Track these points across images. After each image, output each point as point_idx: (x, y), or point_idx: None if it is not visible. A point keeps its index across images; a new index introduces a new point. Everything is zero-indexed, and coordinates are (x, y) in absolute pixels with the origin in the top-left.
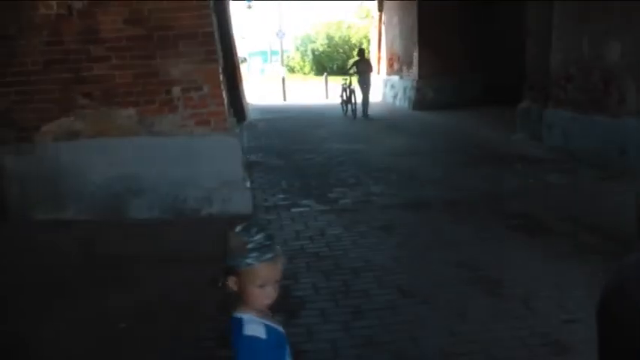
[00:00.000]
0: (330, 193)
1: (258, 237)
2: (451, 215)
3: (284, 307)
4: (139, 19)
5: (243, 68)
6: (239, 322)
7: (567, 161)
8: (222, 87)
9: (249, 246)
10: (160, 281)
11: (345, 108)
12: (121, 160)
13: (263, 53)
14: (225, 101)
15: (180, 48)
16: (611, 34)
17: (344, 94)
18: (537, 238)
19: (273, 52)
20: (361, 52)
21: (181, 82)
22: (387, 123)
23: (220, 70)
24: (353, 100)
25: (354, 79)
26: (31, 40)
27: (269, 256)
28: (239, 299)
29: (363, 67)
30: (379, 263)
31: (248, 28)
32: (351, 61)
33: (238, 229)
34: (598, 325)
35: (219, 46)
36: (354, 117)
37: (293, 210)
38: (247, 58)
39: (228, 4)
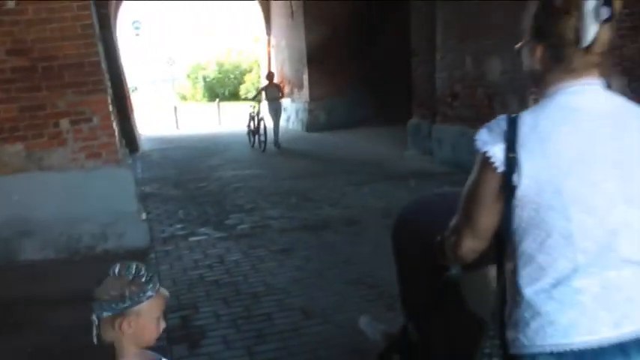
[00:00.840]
0: (228, 219)
1: (143, 270)
2: (348, 234)
3: (185, 338)
4: (23, 50)
5: (134, 97)
6: None
7: (458, 174)
8: (113, 117)
9: (143, 279)
10: (57, 324)
11: (252, 139)
12: (9, 199)
13: (153, 82)
14: (116, 132)
15: (67, 79)
16: (491, 52)
17: (251, 123)
18: None
19: (164, 81)
20: (270, 75)
21: (70, 113)
22: (282, 147)
23: (110, 101)
24: (261, 131)
25: (260, 107)
26: None
27: (158, 285)
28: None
29: (272, 94)
30: (280, 286)
31: (137, 56)
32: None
33: (116, 271)
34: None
35: (107, 76)
36: (263, 149)
37: (191, 239)
38: (137, 87)
39: (115, 32)
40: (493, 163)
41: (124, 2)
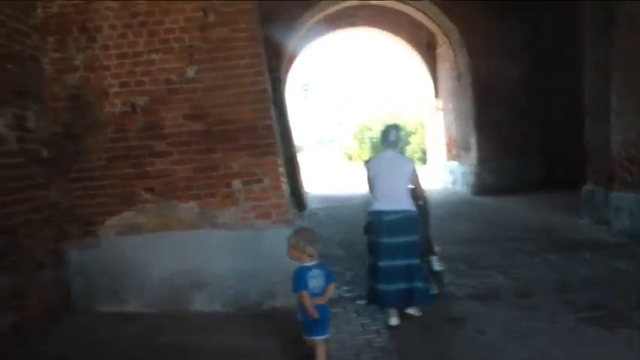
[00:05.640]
0: None
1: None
2: (521, 307)
3: None
4: (200, 115)
5: (301, 157)
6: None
7: (637, 246)
8: (283, 179)
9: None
10: None
11: None
12: (183, 253)
13: (320, 142)
14: (286, 193)
15: (241, 141)
16: None
17: None
18: (613, 331)
19: (330, 141)
20: None
21: (242, 175)
22: (448, 209)
23: (280, 162)
24: None
25: None
26: (97, 137)
27: None
28: None
29: None
30: None
31: (305, 117)
32: (407, 149)
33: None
34: None
35: (278, 138)
36: None
37: (358, 302)
38: (305, 146)
39: (285, 94)
40: (365, 169)
41: (293, 65)
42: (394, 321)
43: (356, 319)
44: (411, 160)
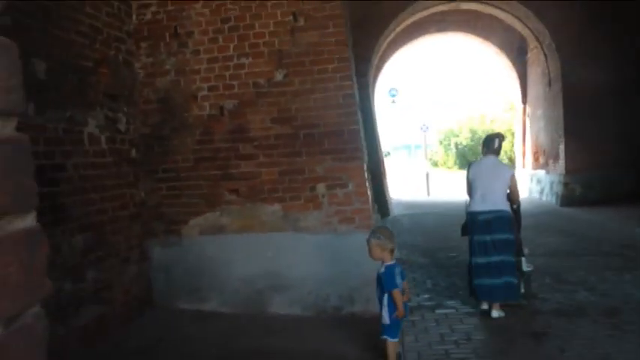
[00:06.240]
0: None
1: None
2: (607, 326)
3: None
4: (287, 118)
5: (387, 162)
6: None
7: None
8: (367, 184)
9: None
10: None
11: None
12: (264, 255)
13: (407, 147)
14: (370, 199)
15: (326, 146)
16: None
17: None
18: None
19: (417, 147)
20: None
21: (326, 179)
22: (534, 220)
23: (365, 168)
24: None
25: None
26: (184, 139)
27: None
28: None
29: None
30: None
31: (392, 122)
32: None
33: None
34: None
35: (364, 143)
36: None
37: (438, 311)
38: (390, 152)
39: (372, 100)
40: (467, 172)
41: (382, 70)
42: (484, 305)
43: (434, 329)
44: (510, 168)
